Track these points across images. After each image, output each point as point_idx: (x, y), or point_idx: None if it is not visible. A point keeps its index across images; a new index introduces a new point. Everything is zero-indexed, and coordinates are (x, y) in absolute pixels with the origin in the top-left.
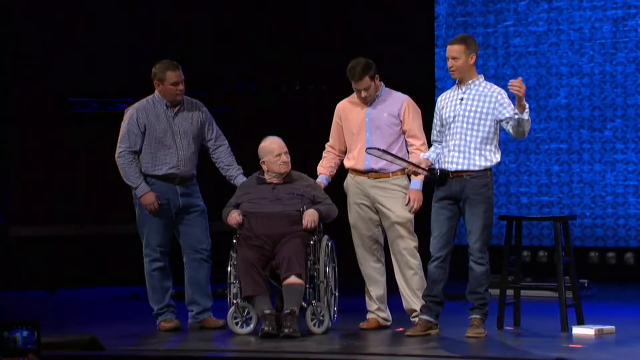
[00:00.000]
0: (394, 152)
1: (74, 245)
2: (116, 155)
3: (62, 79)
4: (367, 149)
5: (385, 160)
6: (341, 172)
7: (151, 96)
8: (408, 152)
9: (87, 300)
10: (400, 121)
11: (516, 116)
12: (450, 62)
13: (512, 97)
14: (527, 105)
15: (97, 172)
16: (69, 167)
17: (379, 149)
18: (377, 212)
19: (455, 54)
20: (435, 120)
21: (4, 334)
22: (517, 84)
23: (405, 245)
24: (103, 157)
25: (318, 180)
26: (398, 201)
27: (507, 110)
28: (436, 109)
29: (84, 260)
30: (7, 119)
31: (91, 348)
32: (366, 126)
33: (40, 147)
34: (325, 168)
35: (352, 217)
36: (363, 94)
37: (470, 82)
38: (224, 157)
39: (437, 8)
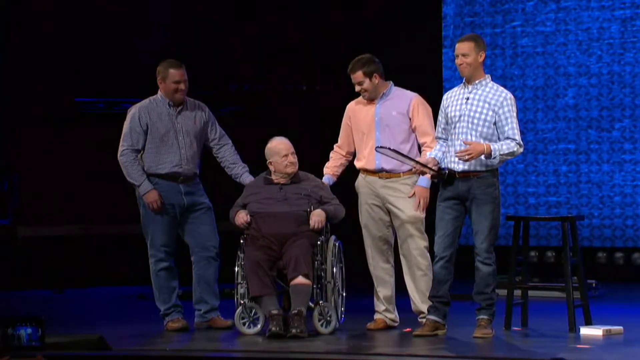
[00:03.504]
0: (405, 151)
1: (80, 245)
2: (119, 154)
3: (69, 79)
4: (376, 147)
5: (393, 158)
6: (352, 172)
7: (154, 96)
8: (420, 150)
9: (94, 300)
10: (410, 119)
11: (487, 160)
12: (460, 59)
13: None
14: (491, 150)
15: (104, 172)
16: (76, 167)
17: (388, 148)
18: (388, 212)
19: (465, 50)
20: (440, 118)
21: (8, 331)
22: (462, 154)
23: (416, 245)
24: (110, 157)
25: (322, 180)
26: (409, 201)
27: (503, 131)
28: (442, 106)
29: (91, 261)
30: (15, 118)
31: (98, 348)
32: (376, 125)
33: (47, 147)
34: (330, 168)
35: (363, 217)
36: (357, 87)
37: (477, 82)
38: (228, 155)
39: (445, 8)
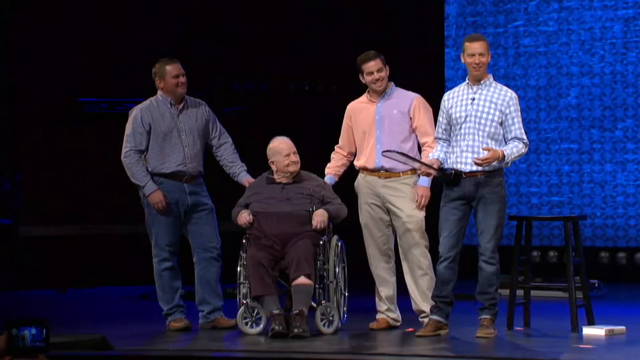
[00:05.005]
0: (405, 150)
1: (83, 245)
2: (122, 156)
3: (71, 79)
4: (383, 152)
5: (400, 162)
6: (352, 172)
7: (154, 97)
8: (420, 150)
9: (97, 300)
10: (410, 118)
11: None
12: (477, 59)
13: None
14: (505, 156)
15: (106, 172)
16: (78, 167)
17: (395, 151)
18: (388, 212)
19: (482, 50)
20: (440, 119)
21: (13, 331)
22: (482, 162)
23: (416, 244)
24: (113, 156)
25: (324, 180)
26: (409, 201)
27: (510, 130)
28: (442, 107)
29: (94, 260)
30: (17, 118)
31: (101, 348)
32: (377, 124)
33: (49, 147)
34: (331, 168)
35: (363, 217)
36: (376, 75)
37: (482, 82)
38: (227, 154)
39: (447, 8)
